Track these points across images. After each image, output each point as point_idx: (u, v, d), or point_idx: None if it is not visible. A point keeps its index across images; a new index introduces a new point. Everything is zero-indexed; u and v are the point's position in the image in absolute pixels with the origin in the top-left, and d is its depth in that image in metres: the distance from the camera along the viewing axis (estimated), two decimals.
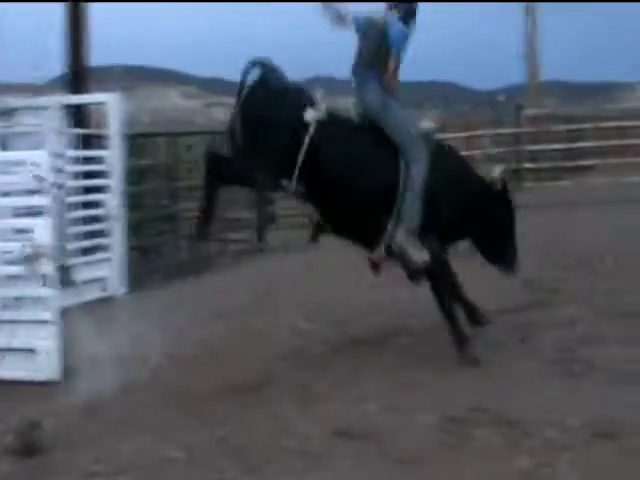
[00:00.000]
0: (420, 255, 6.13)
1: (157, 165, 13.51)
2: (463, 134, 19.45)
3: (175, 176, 13.41)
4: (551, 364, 6.27)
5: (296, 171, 6.00)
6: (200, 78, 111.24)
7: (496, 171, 6.54)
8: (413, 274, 6.36)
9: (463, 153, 18.32)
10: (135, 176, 11.53)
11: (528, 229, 12.30)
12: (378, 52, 6.20)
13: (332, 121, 6.12)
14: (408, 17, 6.29)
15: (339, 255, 10.48)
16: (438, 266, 6.28)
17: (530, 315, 7.65)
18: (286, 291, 9.25)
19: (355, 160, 6.13)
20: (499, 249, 6.61)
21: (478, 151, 19.37)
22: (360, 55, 6.34)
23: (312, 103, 6.10)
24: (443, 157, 6.40)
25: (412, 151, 6.11)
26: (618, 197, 14.86)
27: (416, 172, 6.06)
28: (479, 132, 20.18)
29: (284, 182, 6.15)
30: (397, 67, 6.22)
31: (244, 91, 6.10)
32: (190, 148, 14.43)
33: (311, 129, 5.98)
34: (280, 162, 6.04)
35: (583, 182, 17.38)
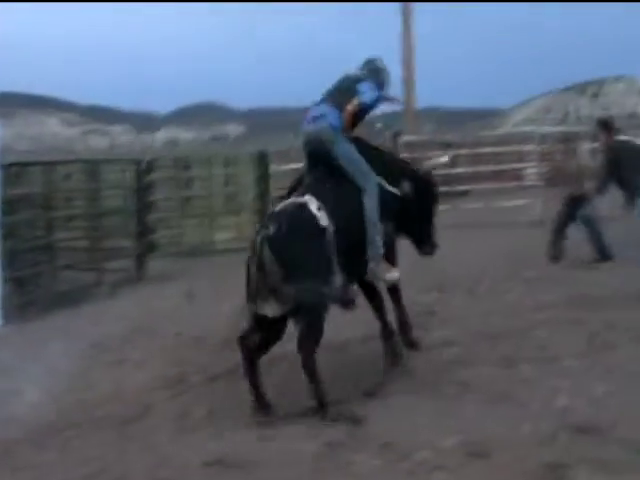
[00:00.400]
0: (391, 275, 6.60)
1: (32, 194, 13.16)
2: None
3: (52, 205, 13.09)
4: (427, 386, 6.36)
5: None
6: (81, 105, 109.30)
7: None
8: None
9: None
10: (9, 206, 11.22)
11: (405, 251, 12.66)
12: (345, 93, 6.48)
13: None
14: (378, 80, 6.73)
15: (217, 284, 10.49)
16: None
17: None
18: (165, 320, 9.16)
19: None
20: (424, 233, 7.09)
21: None
22: (327, 93, 6.63)
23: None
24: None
25: (364, 183, 6.31)
26: (492, 221, 15.36)
27: (370, 198, 6.27)
28: None
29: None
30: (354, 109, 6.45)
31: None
32: (68, 177, 14.16)
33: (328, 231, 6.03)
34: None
35: (459, 207, 17.82)
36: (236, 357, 6.28)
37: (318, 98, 6.60)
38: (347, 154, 6.35)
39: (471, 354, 7.07)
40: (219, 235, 15.90)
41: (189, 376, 7.11)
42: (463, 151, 21.58)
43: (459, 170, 21.88)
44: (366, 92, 6.47)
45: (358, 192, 6.30)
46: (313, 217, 6.00)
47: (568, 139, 16.24)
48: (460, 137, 30.32)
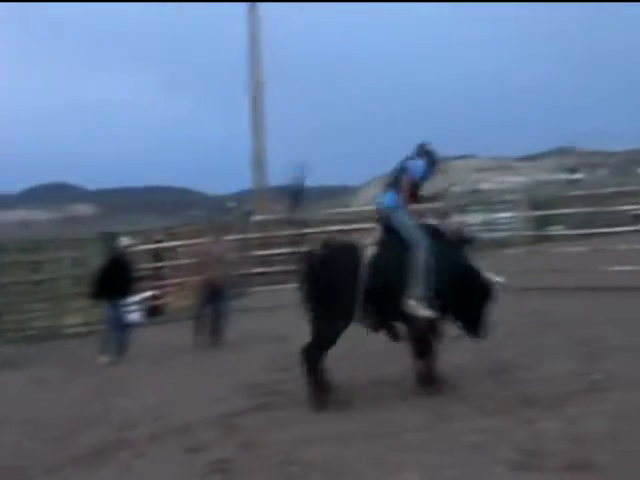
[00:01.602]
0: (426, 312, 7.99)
1: None
2: (194, 241, 19.66)
3: None
4: (271, 467, 6.40)
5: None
6: None
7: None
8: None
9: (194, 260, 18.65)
10: None
11: (256, 331, 12.82)
12: (399, 176, 8.52)
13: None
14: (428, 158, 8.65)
15: (62, 370, 10.30)
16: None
17: (253, 418, 7.81)
18: (8, 408, 8.90)
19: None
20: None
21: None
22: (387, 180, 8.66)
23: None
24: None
25: (414, 241, 8.10)
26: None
27: (418, 254, 8.03)
28: (210, 239, 20.45)
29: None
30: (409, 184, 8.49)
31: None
32: None
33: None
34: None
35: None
36: (75, 446, 6.20)
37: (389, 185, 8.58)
38: (402, 222, 8.27)
39: (317, 432, 7.15)
40: (68, 319, 15.58)
41: (28, 469, 6.92)
42: (313, 229, 21.94)
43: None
44: (413, 169, 8.47)
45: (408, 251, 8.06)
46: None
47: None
48: (311, 215, 30.80)
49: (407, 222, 8.30)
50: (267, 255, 20.45)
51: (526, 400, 7.57)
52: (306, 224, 23.11)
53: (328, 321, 7.96)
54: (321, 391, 7.91)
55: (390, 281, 7.99)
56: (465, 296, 8.11)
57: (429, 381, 8.22)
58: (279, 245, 21.99)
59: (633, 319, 11.12)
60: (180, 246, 20.12)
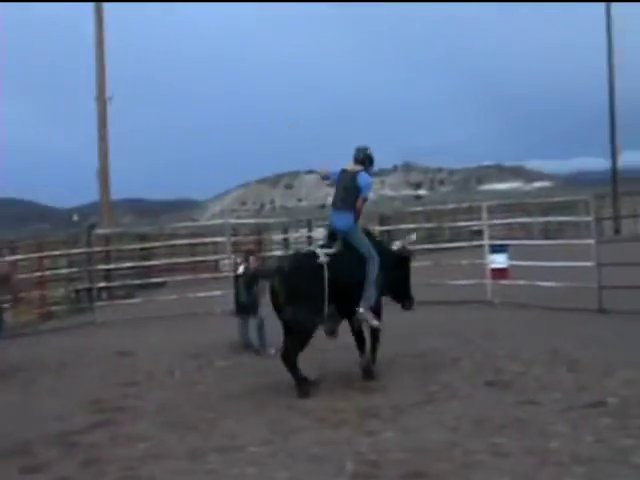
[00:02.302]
0: (374, 322, 9.20)
1: None
2: (36, 254, 19.11)
3: None
4: None
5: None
6: None
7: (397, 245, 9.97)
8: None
9: (36, 274, 18.08)
10: None
11: (100, 346, 12.54)
12: (351, 192, 9.15)
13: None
14: (369, 164, 9.40)
15: None
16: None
17: (95, 435, 7.62)
18: None
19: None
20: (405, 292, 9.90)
21: (48, 272, 19.19)
22: (338, 194, 9.28)
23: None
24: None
25: (368, 256, 9.08)
26: (187, 312, 15.59)
27: (372, 267, 9.06)
28: (55, 252, 19.99)
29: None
30: (363, 204, 9.25)
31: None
32: None
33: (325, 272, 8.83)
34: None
35: (155, 298, 17.87)
36: None
37: (335, 201, 9.35)
38: (358, 239, 9.18)
39: (160, 448, 7.08)
40: None
41: None
42: (158, 243, 21.74)
43: (154, 262, 22.02)
44: (365, 187, 9.18)
45: (362, 261, 9.06)
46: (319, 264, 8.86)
47: (260, 230, 17.07)
48: (156, 229, 30.49)
49: (364, 241, 9.24)
50: (111, 269, 20.07)
51: (367, 412, 7.74)
52: (152, 238, 22.87)
53: (304, 324, 8.76)
54: (305, 383, 8.71)
55: (347, 287, 8.97)
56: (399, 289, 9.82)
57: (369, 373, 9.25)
58: (123, 259, 21.66)
59: (470, 331, 11.56)
60: (21, 260, 19.47)
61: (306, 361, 8.96)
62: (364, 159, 9.35)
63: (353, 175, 9.19)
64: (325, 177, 10.22)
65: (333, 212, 9.36)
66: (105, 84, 25.14)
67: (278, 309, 8.94)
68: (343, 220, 9.16)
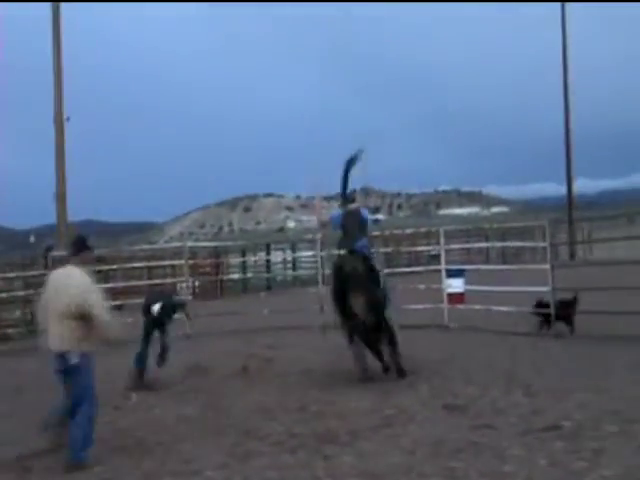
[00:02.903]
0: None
1: None
2: None
3: None
4: None
5: None
6: None
7: None
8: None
9: None
10: None
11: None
12: (363, 225, 11.32)
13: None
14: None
15: None
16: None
17: (50, 460, 7.49)
18: None
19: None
20: None
21: (5, 295, 18.95)
22: (347, 232, 11.22)
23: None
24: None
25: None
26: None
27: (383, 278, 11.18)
28: (11, 274, 19.79)
29: None
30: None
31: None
32: None
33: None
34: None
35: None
36: None
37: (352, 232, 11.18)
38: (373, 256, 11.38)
39: (115, 472, 7.03)
40: None
41: None
42: (116, 265, 21.58)
43: (111, 285, 21.83)
44: (368, 218, 11.63)
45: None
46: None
47: (218, 253, 17.12)
48: (114, 251, 30.23)
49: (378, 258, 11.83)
50: None
51: (324, 436, 7.73)
52: (110, 260, 22.67)
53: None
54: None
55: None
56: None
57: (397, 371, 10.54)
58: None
59: (427, 355, 11.61)
60: None
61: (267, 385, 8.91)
62: (353, 198, 11.75)
63: (357, 212, 11.45)
64: (324, 224, 13.10)
65: (351, 240, 11.08)
66: (62, 104, 24.94)
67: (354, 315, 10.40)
68: (362, 243, 11.08)
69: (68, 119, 24.69)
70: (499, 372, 10.23)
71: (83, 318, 7.19)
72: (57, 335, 7.31)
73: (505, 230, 35.52)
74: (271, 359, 12.10)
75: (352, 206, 11.47)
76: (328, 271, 13.58)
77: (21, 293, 19.81)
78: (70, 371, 7.29)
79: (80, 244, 7.88)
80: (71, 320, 7.22)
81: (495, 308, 14.45)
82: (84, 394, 7.31)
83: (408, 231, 25.41)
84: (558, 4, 36.74)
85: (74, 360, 7.24)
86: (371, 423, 8.11)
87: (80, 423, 7.23)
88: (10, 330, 18.49)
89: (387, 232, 27.11)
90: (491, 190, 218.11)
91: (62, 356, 7.26)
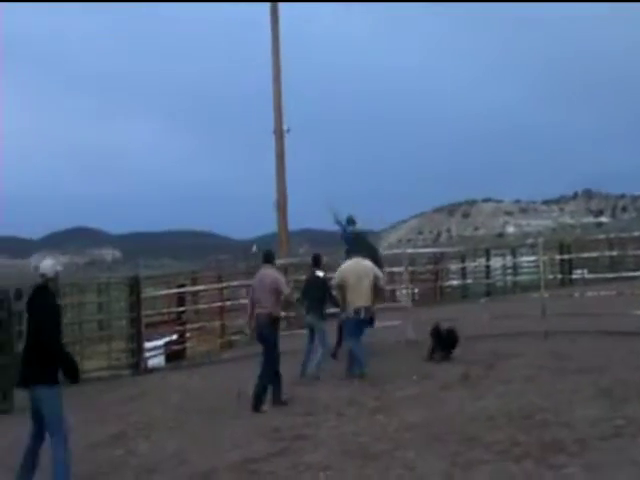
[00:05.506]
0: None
1: None
2: (217, 285, 19.70)
3: None
4: None
5: None
6: None
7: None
8: None
9: (216, 304, 18.59)
10: None
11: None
12: (371, 245, 15.12)
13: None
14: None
15: (86, 415, 10.22)
16: None
17: (274, 464, 7.72)
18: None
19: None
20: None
21: (229, 302, 19.64)
22: (362, 247, 13.60)
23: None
24: None
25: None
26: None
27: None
28: (235, 283, 20.54)
29: None
30: None
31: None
32: None
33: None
34: None
35: None
36: None
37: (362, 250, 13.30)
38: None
39: (341, 476, 7.12)
40: (90, 364, 15.54)
41: None
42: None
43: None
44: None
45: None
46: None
47: (437, 259, 17.85)
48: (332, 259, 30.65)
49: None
50: None
51: (550, 445, 7.46)
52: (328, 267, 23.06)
53: None
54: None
55: None
56: None
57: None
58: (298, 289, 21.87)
59: None
60: (202, 290, 20.13)
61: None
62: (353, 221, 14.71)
63: (364, 235, 15.19)
64: (337, 220, 14.67)
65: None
66: (282, 116, 25.63)
67: None
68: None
69: (288, 130, 25.30)
70: None
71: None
72: None
73: None
74: (492, 366, 11.87)
75: (356, 229, 14.61)
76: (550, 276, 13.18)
77: (244, 301, 20.50)
78: None
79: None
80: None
81: None
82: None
83: (635, 234, 24.12)
84: None
85: None
86: (600, 433, 7.73)
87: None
88: (234, 337, 19.25)
89: (612, 235, 25.98)
90: None
91: None
